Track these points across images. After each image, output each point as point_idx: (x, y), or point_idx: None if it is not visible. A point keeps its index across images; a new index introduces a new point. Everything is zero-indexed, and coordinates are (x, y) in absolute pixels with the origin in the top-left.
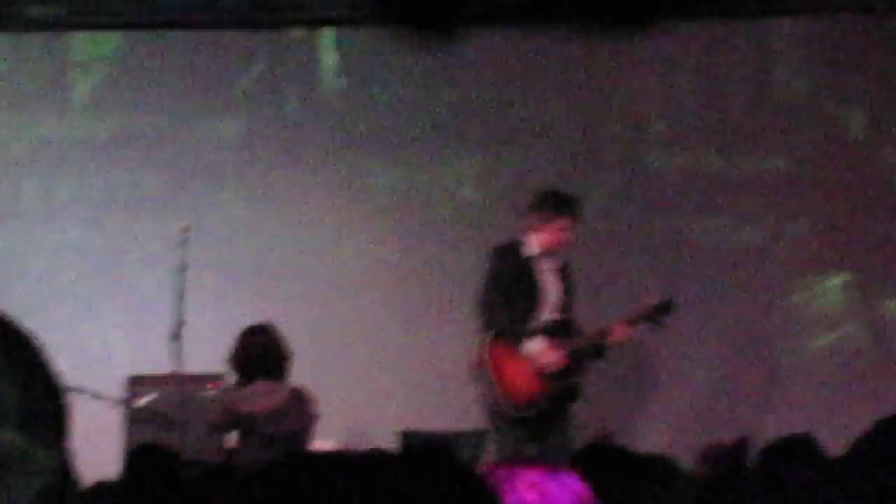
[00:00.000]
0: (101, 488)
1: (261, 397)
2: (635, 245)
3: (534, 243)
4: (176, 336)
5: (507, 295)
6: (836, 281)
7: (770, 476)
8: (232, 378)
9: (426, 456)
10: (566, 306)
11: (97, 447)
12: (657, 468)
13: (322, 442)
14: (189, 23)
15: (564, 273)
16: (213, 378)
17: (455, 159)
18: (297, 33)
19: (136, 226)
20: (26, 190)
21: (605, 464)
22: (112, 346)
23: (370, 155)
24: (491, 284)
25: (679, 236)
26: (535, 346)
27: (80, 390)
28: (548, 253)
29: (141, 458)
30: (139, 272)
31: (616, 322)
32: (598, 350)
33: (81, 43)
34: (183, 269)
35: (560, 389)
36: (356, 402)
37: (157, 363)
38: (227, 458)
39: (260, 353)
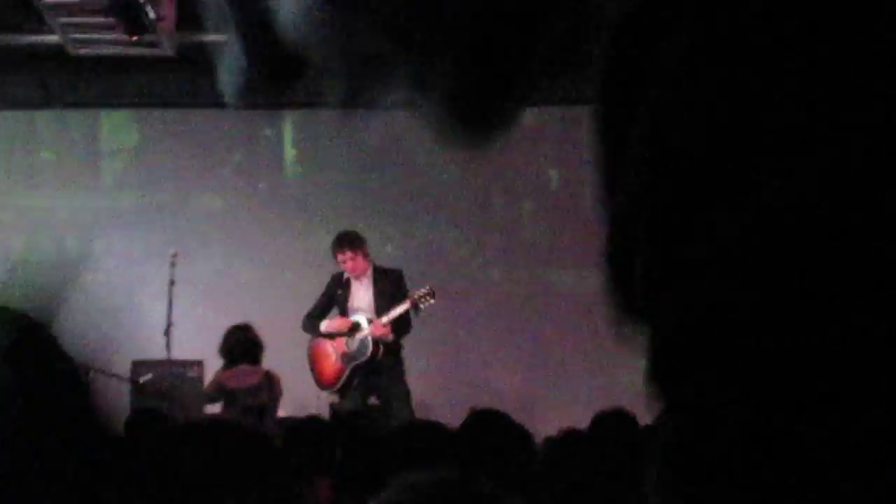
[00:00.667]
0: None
1: (242, 377)
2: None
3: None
4: (167, 332)
5: (329, 306)
6: None
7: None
8: (219, 362)
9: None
10: (378, 307)
11: (110, 412)
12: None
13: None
14: (191, 104)
15: (380, 282)
16: (194, 363)
17: (381, 225)
18: (269, 131)
19: (146, 270)
20: (67, 245)
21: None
22: (121, 340)
23: (317, 223)
24: (316, 304)
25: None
26: (323, 326)
27: (99, 370)
28: (355, 276)
29: (140, 419)
30: (144, 293)
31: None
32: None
33: (109, 135)
34: (172, 284)
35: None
36: (299, 381)
37: (154, 351)
38: None
39: (242, 343)
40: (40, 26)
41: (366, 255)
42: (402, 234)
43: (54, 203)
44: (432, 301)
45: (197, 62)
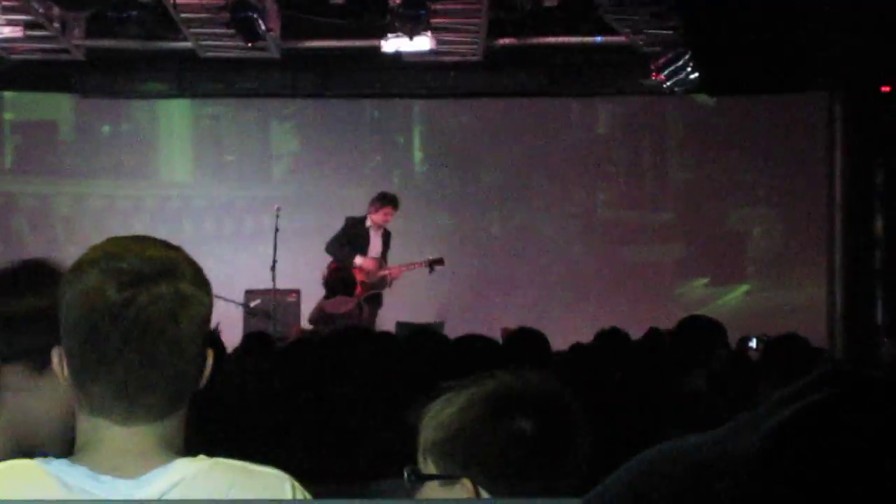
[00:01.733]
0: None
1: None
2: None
3: (370, 220)
4: (272, 268)
5: (348, 243)
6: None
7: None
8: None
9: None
10: (383, 254)
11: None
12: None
13: None
14: (291, 94)
15: (385, 238)
16: (292, 291)
17: (487, 210)
18: (401, 138)
19: (303, 244)
20: (246, 224)
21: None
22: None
23: (436, 205)
24: (339, 237)
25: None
26: (359, 260)
27: (219, 297)
28: (376, 225)
29: (253, 338)
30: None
31: (399, 266)
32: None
33: (278, 141)
34: (277, 231)
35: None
36: None
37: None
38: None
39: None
40: (178, 35)
41: None
42: (503, 217)
43: (235, 193)
44: (441, 266)
45: (296, 62)
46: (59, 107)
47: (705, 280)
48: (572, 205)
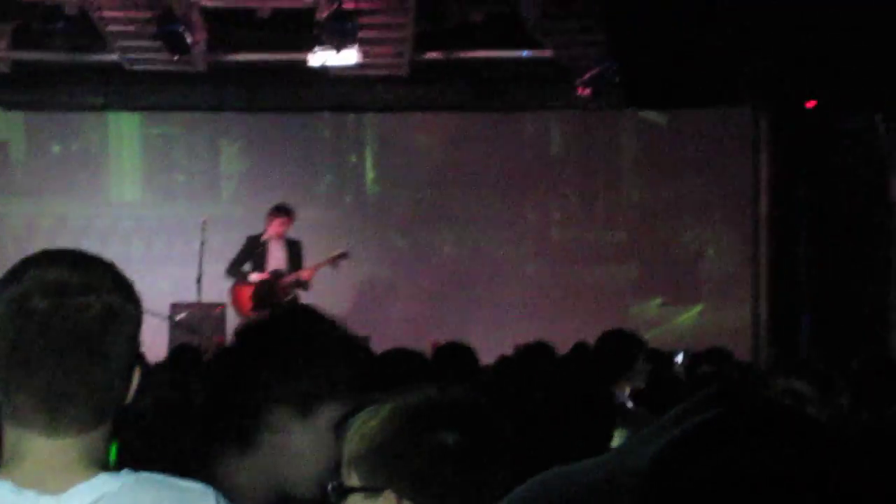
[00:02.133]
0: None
1: None
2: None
3: (266, 234)
4: (198, 281)
5: (246, 261)
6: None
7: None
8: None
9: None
10: (289, 265)
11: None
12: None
13: None
14: (217, 107)
15: (292, 247)
16: (218, 305)
17: (440, 231)
18: (354, 157)
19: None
20: (195, 245)
21: None
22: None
23: (388, 227)
24: (237, 256)
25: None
26: (254, 277)
27: (146, 310)
28: (275, 238)
29: (179, 351)
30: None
31: (308, 268)
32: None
33: (227, 163)
34: (203, 244)
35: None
36: None
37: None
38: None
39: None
40: (105, 47)
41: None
42: (456, 238)
43: (185, 213)
44: (345, 260)
45: (221, 76)
46: (9, 126)
47: (659, 300)
48: (526, 224)
